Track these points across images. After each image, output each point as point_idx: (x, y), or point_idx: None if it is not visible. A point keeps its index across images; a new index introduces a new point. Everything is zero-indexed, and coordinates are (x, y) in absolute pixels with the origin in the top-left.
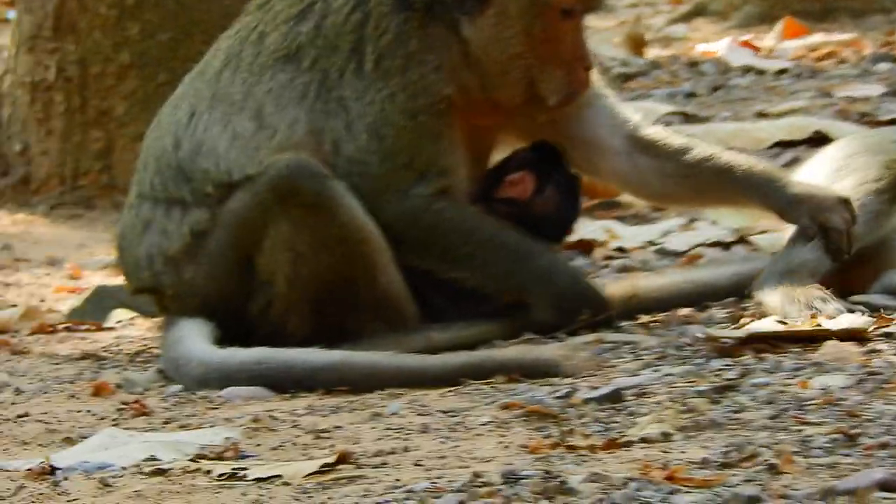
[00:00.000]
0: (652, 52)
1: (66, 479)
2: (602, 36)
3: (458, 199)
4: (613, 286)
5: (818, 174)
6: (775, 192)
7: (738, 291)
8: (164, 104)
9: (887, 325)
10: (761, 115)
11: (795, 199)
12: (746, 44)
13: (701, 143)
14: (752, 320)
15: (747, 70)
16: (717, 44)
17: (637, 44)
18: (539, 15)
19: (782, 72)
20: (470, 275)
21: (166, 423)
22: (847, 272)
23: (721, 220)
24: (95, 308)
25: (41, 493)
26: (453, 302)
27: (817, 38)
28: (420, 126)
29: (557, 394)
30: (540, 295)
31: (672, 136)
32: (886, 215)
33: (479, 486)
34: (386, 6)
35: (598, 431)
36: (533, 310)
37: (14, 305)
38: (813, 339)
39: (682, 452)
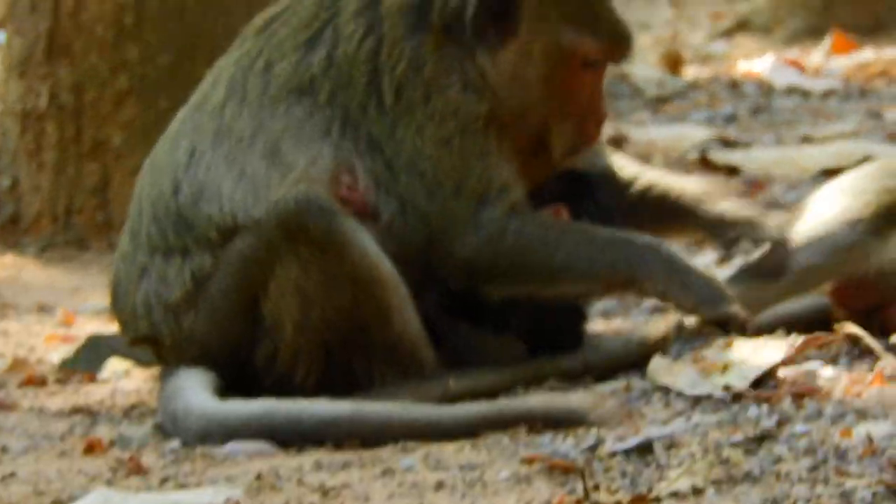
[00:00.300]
0: (690, 72)
1: None
2: (636, 55)
3: (528, 212)
4: (649, 327)
5: (816, 206)
6: (705, 212)
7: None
8: (158, 143)
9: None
10: (807, 139)
11: (723, 218)
12: (791, 61)
13: (650, 171)
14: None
15: (792, 91)
16: (759, 61)
17: (674, 63)
18: (562, 62)
19: (830, 93)
20: (574, 283)
21: (163, 482)
22: (887, 310)
23: None
24: (89, 358)
25: None
26: (476, 344)
27: (868, 54)
28: (458, 151)
29: (583, 446)
30: (653, 273)
31: (627, 166)
32: (862, 247)
33: None
34: (400, 30)
35: (626, 486)
36: (648, 290)
37: (1, 356)
38: None
39: None
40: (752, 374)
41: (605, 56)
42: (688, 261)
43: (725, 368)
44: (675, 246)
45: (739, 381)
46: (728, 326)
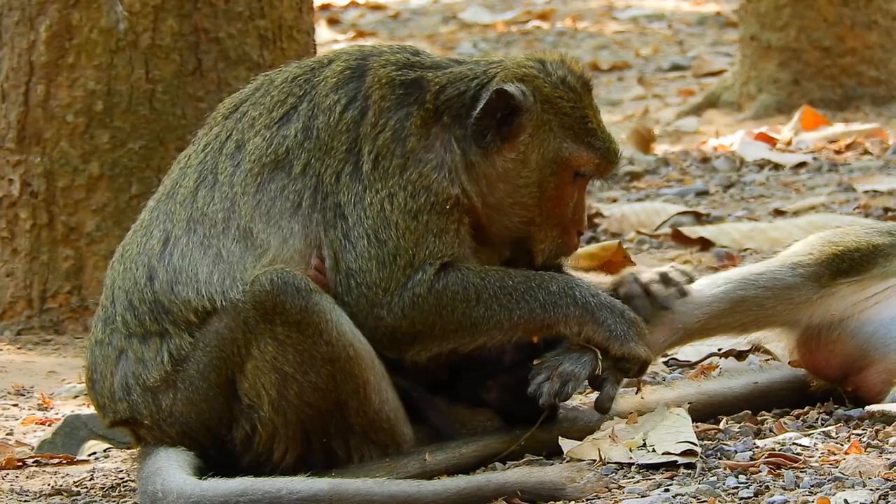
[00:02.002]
0: (661, 148)
1: None
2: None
3: (458, 267)
4: (621, 401)
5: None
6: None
7: (754, 403)
8: (129, 233)
9: None
10: (778, 212)
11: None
12: (762, 136)
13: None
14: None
15: (763, 165)
16: (730, 137)
17: (645, 139)
18: (557, 171)
19: (801, 166)
20: (496, 333)
21: None
22: (857, 376)
23: None
24: (67, 440)
25: None
26: (453, 418)
27: (838, 128)
28: (423, 226)
29: None
30: (568, 315)
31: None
32: (800, 290)
33: None
34: (388, 102)
35: None
36: (565, 331)
37: None
38: None
39: None
40: (676, 440)
41: (596, 169)
42: (605, 299)
43: (645, 443)
44: (591, 286)
45: (672, 448)
46: (629, 364)
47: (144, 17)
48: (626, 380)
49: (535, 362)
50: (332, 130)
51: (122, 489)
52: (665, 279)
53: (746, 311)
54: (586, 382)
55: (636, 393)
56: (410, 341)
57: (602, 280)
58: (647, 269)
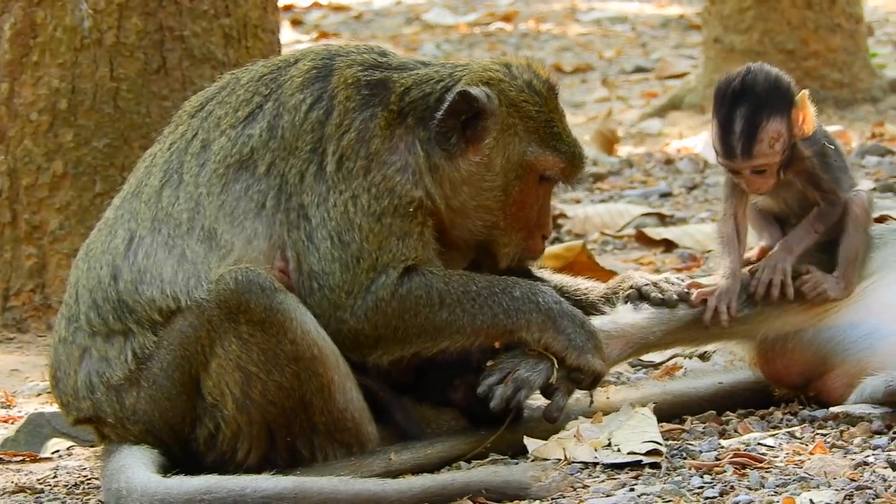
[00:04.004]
0: (624, 150)
1: None
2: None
3: (422, 271)
4: (585, 401)
5: None
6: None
7: (719, 403)
8: (93, 231)
9: None
10: None
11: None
12: None
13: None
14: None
15: None
16: (694, 139)
17: (608, 141)
18: (521, 175)
19: None
20: (458, 338)
21: None
22: (817, 382)
23: None
24: (30, 438)
25: None
26: (418, 418)
27: None
28: (386, 228)
29: None
30: (530, 322)
31: (535, 271)
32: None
33: None
34: (353, 102)
35: None
36: (526, 338)
37: None
38: None
39: None
40: (641, 440)
41: (562, 173)
42: (566, 308)
43: (610, 442)
44: (554, 293)
45: (637, 448)
46: (583, 375)
47: (109, 15)
48: (578, 390)
49: (488, 363)
50: (297, 130)
51: (86, 487)
52: (657, 287)
53: (702, 326)
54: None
55: (589, 405)
56: (373, 345)
57: (594, 285)
58: (642, 275)
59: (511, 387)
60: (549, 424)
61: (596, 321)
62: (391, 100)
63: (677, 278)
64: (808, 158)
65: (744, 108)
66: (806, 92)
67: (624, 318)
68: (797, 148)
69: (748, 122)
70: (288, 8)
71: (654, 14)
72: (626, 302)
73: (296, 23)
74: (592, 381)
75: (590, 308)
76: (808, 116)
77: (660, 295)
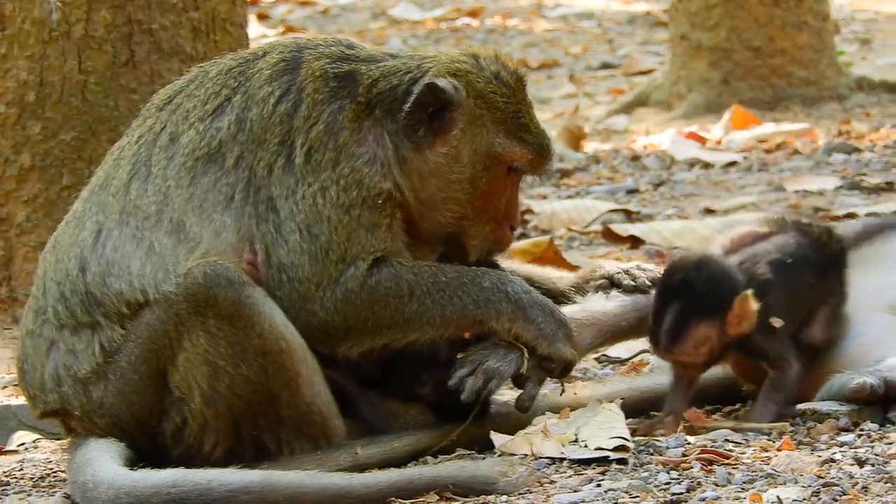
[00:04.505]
0: (591, 146)
1: None
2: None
3: (391, 263)
4: (553, 397)
5: None
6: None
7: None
8: (61, 224)
9: None
10: (709, 211)
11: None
12: (692, 135)
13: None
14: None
15: (693, 163)
16: (660, 136)
17: (575, 137)
18: (489, 166)
19: (731, 165)
20: (428, 329)
21: None
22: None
23: None
24: None
25: None
26: (385, 412)
27: (768, 128)
28: (355, 220)
29: None
30: (500, 312)
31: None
32: None
33: None
34: (322, 94)
35: None
36: (496, 328)
37: None
38: None
39: None
40: (609, 436)
41: (530, 164)
42: (536, 297)
43: (577, 438)
44: (523, 283)
45: (604, 444)
46: (553, 364)
47: (77, 7)
48: (549, 379)
49: (459, 356)
50: (266, 123)
51: (52, 479)
52: (629, 274)
53: None
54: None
55: (560, 393)
56: (343, 336)
57: (564, 275)
58: (612, 264)
59: (481, 378)
60: (518, 418)
61: (567, 310)
62: (359, 92)
63: (648, 266)
64: (751, 335)
65: (677, 304)
66: (749, 292)
67: (595, 306)
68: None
69: (676, 321)
70: (254, 2)
71: (621, 10)
72: (597, 291)
73: (262, 17)
74: (563, 369)
75: (560, 297)
76: (748, 315)
77: (632, 282)
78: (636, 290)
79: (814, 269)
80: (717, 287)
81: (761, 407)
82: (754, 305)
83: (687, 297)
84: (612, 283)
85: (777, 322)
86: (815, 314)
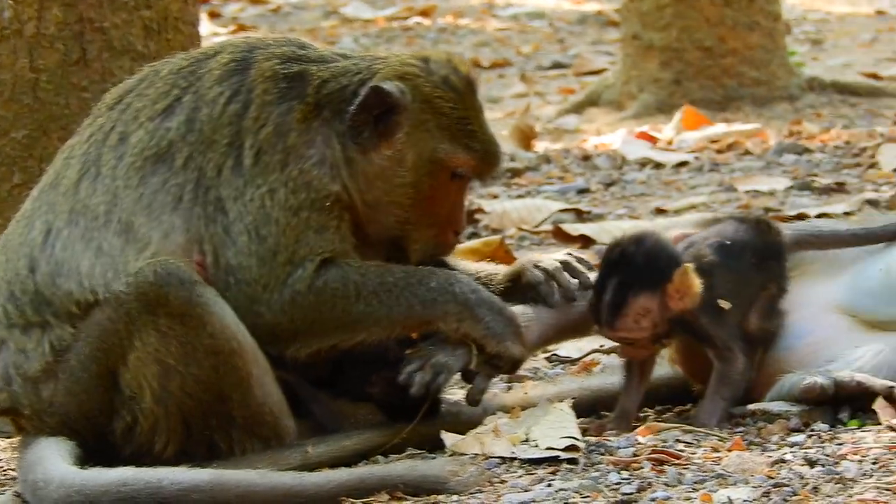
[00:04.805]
0: (542, 146)
1: None
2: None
3: (339, 264)
4: (503, 396)
5: None
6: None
7: None
8: (11, 223)
9: None
10: (660, 211)
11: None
12: (643, 135)
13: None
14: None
15: (644, 163)
16: (611, 136)
17: (526, 136)
18: (433, 171)
19: (682, 165)
20: (376, 329)
21: None
22: None
23: None
24: None
25: None
26: (335, 411)
27: (719, 128)
28: (303, 222)
29: None
30: (447, 311)
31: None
32: None
33: None
34: (270, 95)
35: None
36: (444, 327)
37: None
38: None
39: None
40: (559, 436)
41: (474, 170)
42: (484, 295)
43: (528, 437)
44: (471, 282)
45: (555, 443)
46: (502, 361)
47: (29, 5)
48: (498, 376)
49: (408, 352)
50: (215, 123)
51: (3, 478)
52: (568, 268)
53: None
54: (458, 376)
55: (508, 391)
56: (290, 338)
57: (496, 270)
58: (547, 257)
59: (430, 372)
60: (468, 417)
61: (515, 307)
62: (308, 93)
63: (579, 258)
64: (699, 316)
65: (616, 278)
66: (689, 265)
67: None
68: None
69: (616, 294)
70: (205, 1)
71: (572, 10)
72: (525, 302)
73: (213, 15)
74: (512, 366)
75: (498, 293)
76: (691, 290)
77: (555, 297)
78: (565, 297)
79: (754, 252)
80: (656, 259)
81: (709, 404)
82: (696, 280)
83: (626, 271)
84: (539, 296)
85: (725, 304)
86: (755, 302)
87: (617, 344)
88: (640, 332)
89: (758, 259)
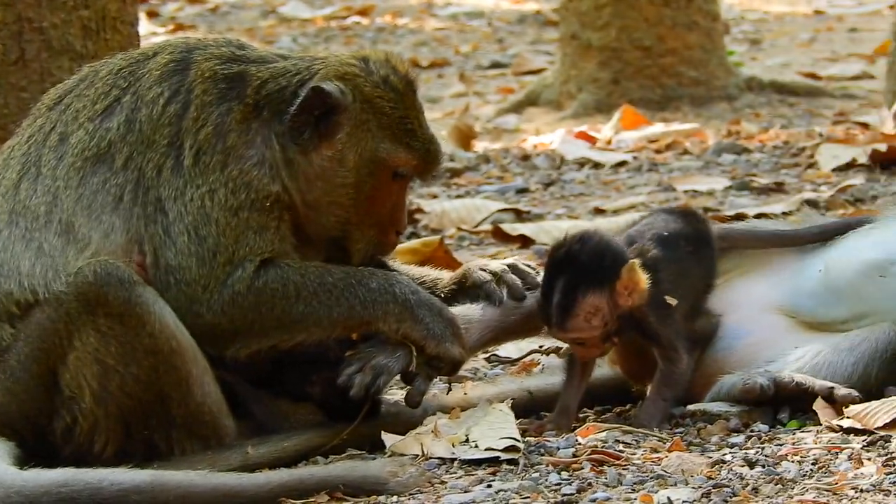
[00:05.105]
0: (481, 145)
1: None
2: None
3: (278, 264)
4: (443, 397)
5: None
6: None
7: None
8: None
9: None
10: (598, 211)
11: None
12: (582, 135)
13: (394, 264)
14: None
15: (583, 163)
16: (550, 135)
17: (465, 136)
18: (374, 171)
19: (621, 165)
20: (316, 330)
21: None
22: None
23: None
24: None
25: None
26: (276, 412)
27: (657, 128)
28: (243, 223)
29: None
30: (387, 312)
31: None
32: None
33: None
34: (210, 96)
35: None
36: (384, 328)
37: None
38: None
39: None
40: (499, 437)
41: (415, 170)
42: (424, 297)
43: (468, 438)
44: (411, 283)
45: (494, 444)
46: (442, 363)
47: None
48: (438, 377)
49: (348, 353)
50: (155, 124)
51: None
52: (514, 270)
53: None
54: (398, 377)
55: (448, 392)
56: (230, 338)
57: (441, 275)
58: (493, 262)
59: (370, 374)
60: (408, 418)
61: (455, 308)
62: (247, 93)
63: (525, 264)
64: (647, 314)
65: (564, 278)
66: (635, 262)
67: (482, 303)
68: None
69: (565, 295)
70: (144, 0)
71: (511, 9)
72: (471, 301)
73: (152, 15)
74: (452, 368)
75: (444, 297)
76: (638, 286)
77: (501, 296)
78: (512, 297)
79: (688, 240)
80: (603, 257)
81: (650, 405)
82: (643, 275)
83: (573, 271)
84: (485, 295)
85: (672, 300)
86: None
87: (565, 345)
88: (591, 332)
89: (693, 247)
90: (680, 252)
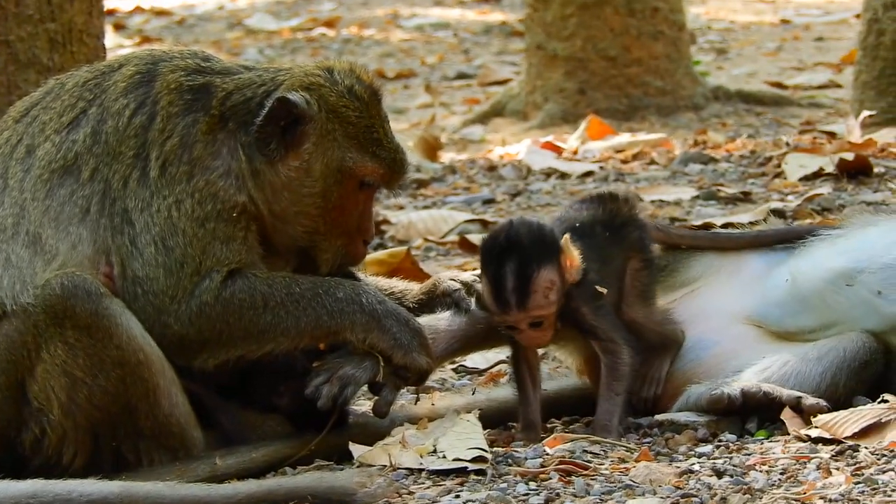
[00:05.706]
0: (447, 156)
1: None
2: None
3: (246, 275)
4: (411, 408)
5: None
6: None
7: (544, 411)
8: None
9: None
10: None
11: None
12: (548, 145)
13: (362, 276)
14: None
15: (549, 173)
16: (517, 146)
17: (431, 147)
18: (340, 181)
19: (587, 175)
20: (283, 340)
21: None
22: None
23: None
24: None
25: None
26: (244, 423)
27: (624, 138)
28: (210, 233)
29: None
30: (354, 322)
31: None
32: None
33: None
34: (176, 107)
35: None
36: (351, 338)
37: None
38: None
39: None
40: (467, 447)
41: (382, 179)
42: (391, 307)
43: (435, 449)
44: (378, 294)
45: (462, 455)
46: (409, 373)
47: None
48: (405, 387)
49: (315, 364)
50: (121, 135)
51: None
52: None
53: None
54: (366, 388)
55: (415, 402)
56: (198, 349)
57: (409, 286)
58: (465, 273)
59: (337, 384)
60: (376, 429)
61: (422, 318)
62: (213, 104)
63: None
64: (580, 307)
65: (513, 262)
66: (568, 236)
67: (448, 313)
68: (570, 296)
69: (518, 276)
70: (110, 12)
71: (477, 20)
72: (442, 310)
73: (118, 27)
74: (419, 378)
75: (413, 308)
76: (573, 259)
77: (469, 304)
78: (480, 307)
79: (603, 225)
80: (543, 236)
81: (604, 402)
82: (574, 250)
83: (519, 253)
84: (454, 302)
85: (602, 289)
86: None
87: (522, 331)
88: (549, 308)
89: (609, 231)
90: (595, 238)
